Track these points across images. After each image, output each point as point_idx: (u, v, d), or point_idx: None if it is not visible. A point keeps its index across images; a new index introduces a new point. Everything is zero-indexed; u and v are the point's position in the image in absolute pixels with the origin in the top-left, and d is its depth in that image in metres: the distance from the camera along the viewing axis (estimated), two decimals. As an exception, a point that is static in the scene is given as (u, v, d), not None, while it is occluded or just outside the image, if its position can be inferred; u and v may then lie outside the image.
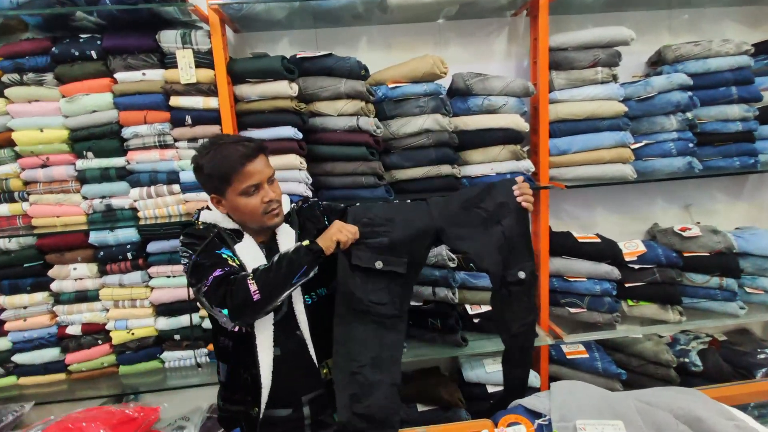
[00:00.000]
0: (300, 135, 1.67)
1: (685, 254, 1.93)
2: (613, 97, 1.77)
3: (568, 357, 1.98)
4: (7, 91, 1.62)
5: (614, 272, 1.87)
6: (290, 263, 1.10)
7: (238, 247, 1.20)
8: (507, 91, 1.74)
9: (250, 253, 1.20)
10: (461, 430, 1.15)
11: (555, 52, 1.78)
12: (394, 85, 1.72)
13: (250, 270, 1.15)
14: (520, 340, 1.34)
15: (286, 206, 1.31)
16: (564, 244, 1.95)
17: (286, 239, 1.25)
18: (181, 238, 1.21)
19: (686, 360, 1.94)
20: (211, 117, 1.68)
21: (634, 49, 1.93)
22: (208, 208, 1.27)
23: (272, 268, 1.10)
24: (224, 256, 1.17)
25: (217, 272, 1.10)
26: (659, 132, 1.84)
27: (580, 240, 1.93)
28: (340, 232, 1.16)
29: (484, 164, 1.78)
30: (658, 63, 1.97)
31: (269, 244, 1.25)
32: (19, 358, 1.79)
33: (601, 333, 1.90)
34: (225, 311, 1.07)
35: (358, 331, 1.26)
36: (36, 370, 1.80)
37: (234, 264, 1.16)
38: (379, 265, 1.24)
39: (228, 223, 1.24)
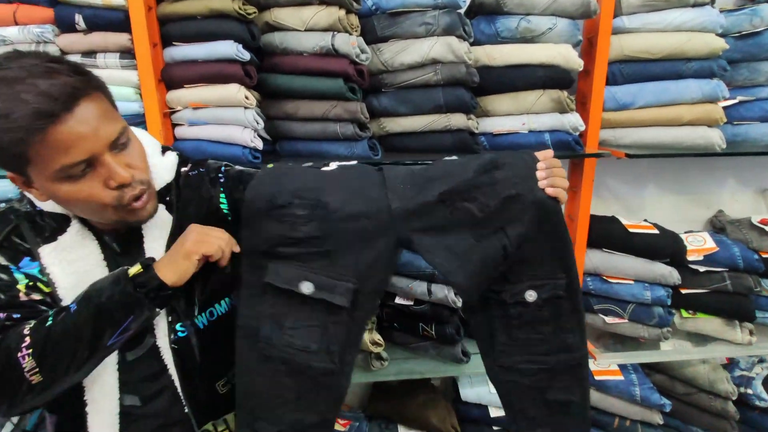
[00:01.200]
0: (246, 55, 1.12)
1: (764, 255, 1.45)
2: (708, 27, 1.22)
3: (597, 378, 1.53)
4: None
5: (673, 276, 1.39)
6: (100, 312, 0.61)
7: (50, 250, 0.68)
8: (556, 8, 1.18)
9: (72, 260, 0.68)
10: None
11: (629, -44, 1.22)
12: (390, -12, 1.17)
13: (68, 302, 0.66)
14: (530, 381, 0.84)
15: (165, 174, 0.77)
16: (608, 234, 1.45)
17: (157, 233, 0.73)
18: None
19: (748, 391, 1.51)
20: (115, 20, 1.12)
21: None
22: None
23: (69, 321, 0.60)
24: (19, 280, 0.66)
25: None
26: (762, 85, 1.31)
27: (630, 229, 1.43)
28: (202, 243, 0.67)
29: (514, 116, 1.25)
30: (760, -11, 1.40)
31: (125, 243, 0.72)
32: None
33: (647, 354, 1.45)
34: None
35: (268, 381, 0.79)
36: None
37: (31, 299, 0.66)
38: (307, 288, 0.75)
39: (50, 204, 0.70)
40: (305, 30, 1.15)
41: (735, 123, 1.33)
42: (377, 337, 1.34)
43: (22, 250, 0.68)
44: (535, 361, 0.83)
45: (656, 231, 1.43)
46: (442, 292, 1.30)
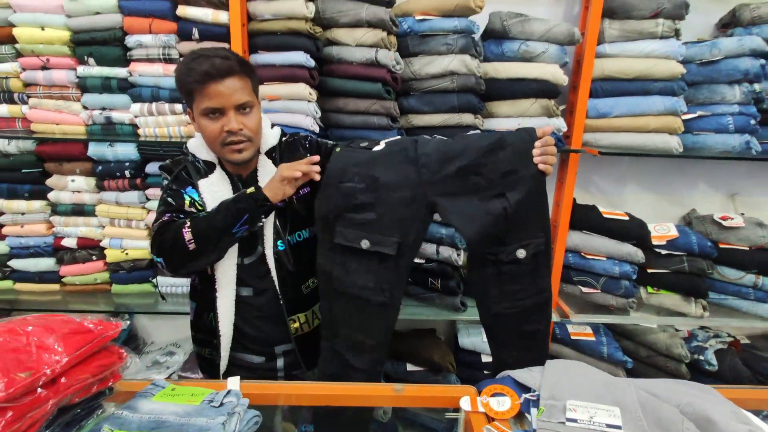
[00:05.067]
0: (312, 63, 1.53)
1: (721, 245, 1.75)
2: (671, 55, 1.54)
3: (573, 338, 1.87)
4: (9, -18, 1.52)
5: (638, 254, 1.71)
6: (228, 212, 1.01)
7: (204, 183, 1.10)
8: (549, 36, 1.53)
9: (215, 191, 1.10)
10: (441, 392, 1.07)
11: (612, -3, 1.55)
12: (421, 17, 1.54)
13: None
14: (511, 320, 1.13)
15: (272, 140, 1.18)
16: (587, 218, 1.78)
17: (266, 178, 1.11)
18: (159, 169, 1.16)
19: (701, 357, 1.80)
20: (220, 33, 1.55)
21: (702, 5, 1.67)
22: None
23: (211, 216, 1.02)
24: (186, 198, 1.09)
25: (165, 217, 1.04)
26: (719, 103, 1.61)
27: (605, 215, 1.76)
28: (287, 173, 1.04)
29: (512, 118, 1.61)
30: (730, 25, 1.70)
31: (248, 180, 1.13)
32: (15, 264, 1.79)
33: (612, 317, 1.77)
34: (160, 260, 1.03)
35: (340, 310, 1.13)
36: (31, 277, 1.80)
37: (191, 210, 1.08)
38: (365, 244, 1.06)
39: (203, 153, 1.14)
40: (356, 45, 1.54)
41: (695, 133, 1.64)
42: (394, 284, 1.72)
43: (189, 181, 1.10)
44: (517, 305, 1.10)
45: (627, 218, 1.75)
46: (448, 252, 1.67)
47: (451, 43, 1.53)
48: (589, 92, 1.62)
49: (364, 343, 1.14)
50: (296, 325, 1.19)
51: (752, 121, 1.59)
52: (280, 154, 1.18)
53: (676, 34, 1.55)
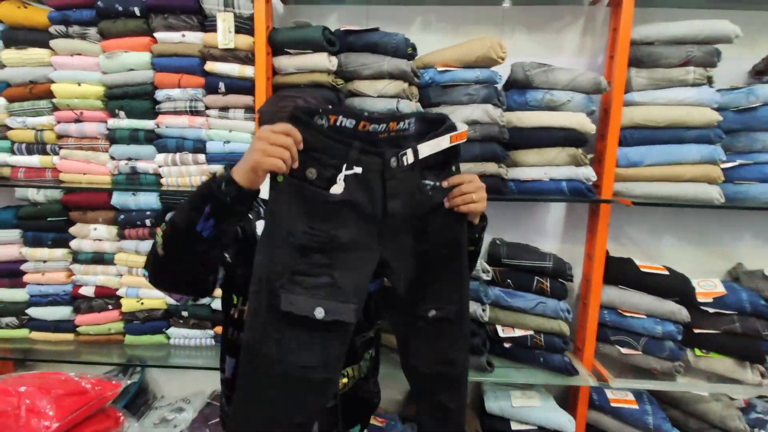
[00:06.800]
0: (334, 113, 1.53)
1: (776, 304, 1.59)
2: (705, 102, 1.48)
3: (612, 405, 1.69)
4: (52, 42, 1.61)
5: (682, 312, 1.56)
6: (192, 203, 0.78)
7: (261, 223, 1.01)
8: (574, 85, 1.50)
9: None
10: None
11: (638, 47, 1.52)
12: (443, 68, 1.54)
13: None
14: (427, 383, 0.98)
15: None
16: (623, 272, 1.66)
17: None
18: None
19: (763, 432, 1.59)
20: (245, 86, 1.58)
21: (734, 53, 1.61)
22: None
23: (177, 212, 0.81)
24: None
25: None
26: (759, 151, 1.53)
27: (643, 269, 1.64)
28: (266, 159, 0.75)
29: (537, 167, 1.55)
30: (765, 72, 1.64)
31: None
32: (33, 312, 1.78)
33: (657, 382, 1.60)
34: (145, 272, 0.89)
35: (266, 395, 0.84)
36: (47, 326, 1.78)
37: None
38: (319, 313, 0.82)
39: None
40: (377, 96, 1.54)
41: (736, 182, 1.54)
42: (416, 341, 1.60)
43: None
44: (430, 368, 0.96)
45: (666, 272, 1.62)
46: (472, 307, 1.57)
47: (473, 93, 1.51)
48: (619, 141, 1.56)
49: (291, 422, 0.86)
50: (345, 380, 1.04)
51: (799, 170, 1.49)
52: None
53: (709, 81, 1.50)
